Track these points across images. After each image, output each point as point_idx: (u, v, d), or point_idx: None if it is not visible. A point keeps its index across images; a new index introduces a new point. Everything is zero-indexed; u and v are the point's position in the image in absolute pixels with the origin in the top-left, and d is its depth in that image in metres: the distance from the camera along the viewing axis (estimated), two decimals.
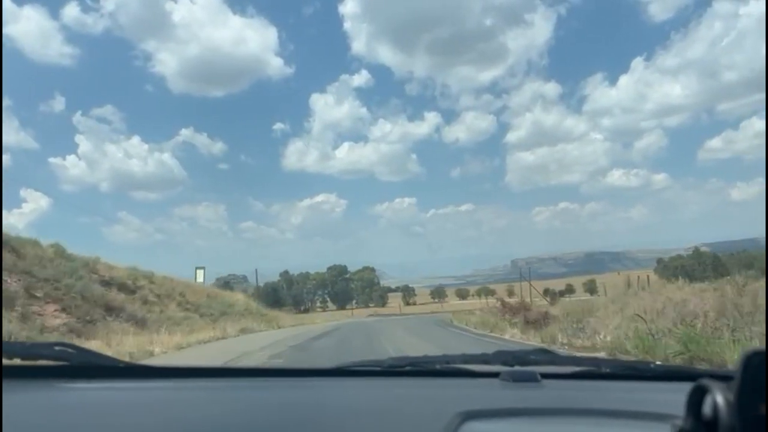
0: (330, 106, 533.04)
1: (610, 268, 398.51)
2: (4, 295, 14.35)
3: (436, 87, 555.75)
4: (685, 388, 0.57)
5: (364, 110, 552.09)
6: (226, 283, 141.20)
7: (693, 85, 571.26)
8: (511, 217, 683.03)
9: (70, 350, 1.25)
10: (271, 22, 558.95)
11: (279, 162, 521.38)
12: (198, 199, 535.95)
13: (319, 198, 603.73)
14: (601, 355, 10.21)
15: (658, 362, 1.86)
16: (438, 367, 1.45)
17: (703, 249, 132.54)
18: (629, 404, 1.03)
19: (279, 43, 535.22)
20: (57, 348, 1.24)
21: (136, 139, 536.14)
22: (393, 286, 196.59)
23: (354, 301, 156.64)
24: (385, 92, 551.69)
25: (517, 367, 1.37)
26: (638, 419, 0.92)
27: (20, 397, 1.02)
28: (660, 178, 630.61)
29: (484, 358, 1.49)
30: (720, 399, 0.52)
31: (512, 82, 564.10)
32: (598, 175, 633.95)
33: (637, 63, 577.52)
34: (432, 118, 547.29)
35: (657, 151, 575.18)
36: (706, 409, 0.53)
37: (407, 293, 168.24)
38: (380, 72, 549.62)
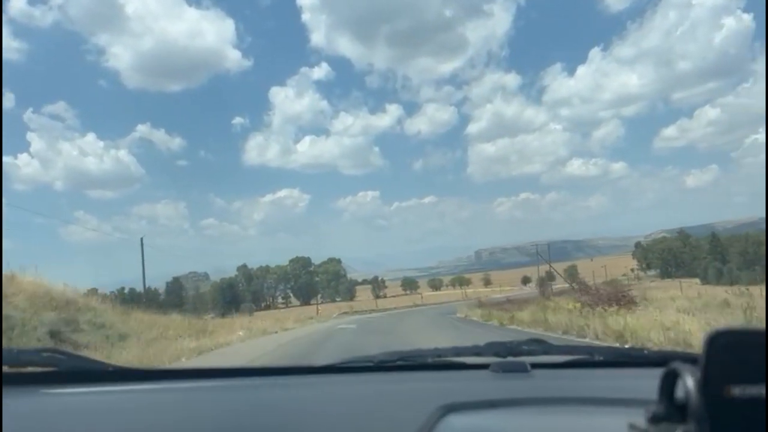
0: (290, 100, 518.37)
1: (572, 257, 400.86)
2: None
3: (397, 79, 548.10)
4: None
5: (324, 103, 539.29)
6: (175, 280, 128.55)
7: (649, 74, 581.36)
8: (473, 209, 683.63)
9: (58, 356, 1.24)
10: (228, 14, 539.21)
11: (239, 157, 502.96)
12: (157, 197, 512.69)
13: (282, 193, 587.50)
14: None
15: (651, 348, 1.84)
16: (429, 360, 1.45)
17: (686, 232, 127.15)
18: (619, 391, 1.02)
19: (236, 36, 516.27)
20: (45, 354, 1.23)
21: (91, 136, 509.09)
22: (360, 279, 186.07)
23: (319, 296, 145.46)
24: (346, 85, 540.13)
25: (509, 358, 1.37)
26: (625, 406, 0.91)
27: (8, 405, 1.02)
28: (618, 166, 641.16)
29: (476, 350, 1.47)
30: (690, 382, 0.52)
31: (473, 74, 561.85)
32: (558, 165, 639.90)
33: (595, 53, 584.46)
34: (393, 110, 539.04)
35: (615, 141, 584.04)
36: (678, 392, 0.54)
37: (377, 286, 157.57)
38: (340, 64, 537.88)
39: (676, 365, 0.55)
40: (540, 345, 1.50)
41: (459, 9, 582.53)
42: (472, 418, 0.89)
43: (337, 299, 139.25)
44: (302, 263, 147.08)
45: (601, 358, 1.45)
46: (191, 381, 1.27)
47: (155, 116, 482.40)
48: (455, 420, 0.86)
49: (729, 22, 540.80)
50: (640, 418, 0.61)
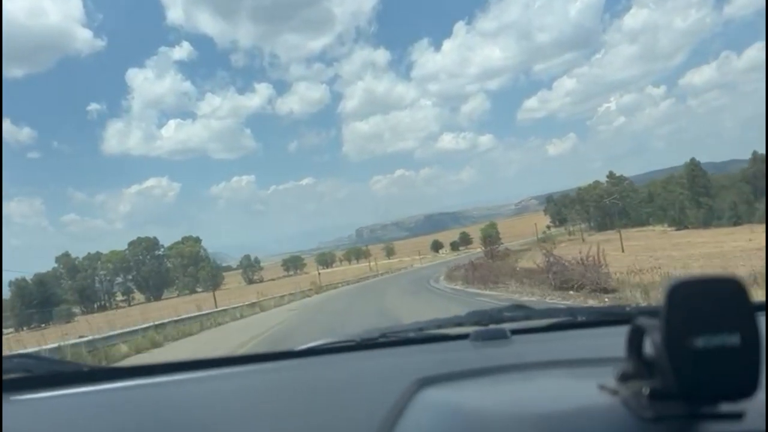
0: (150, 82, 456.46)
1: (450, 227, 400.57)
2: None
3: (264, 57, 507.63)
4: None
5: (188, 84, 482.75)
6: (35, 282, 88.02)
7: (511, 47, 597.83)
8: (351, 188, 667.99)
9: (31, 361, 1.22)
10: None
11: (98, 146, 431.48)
12: (8, 195, 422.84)
13: (149, 183, 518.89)
14: None
15: (633, 305, 1.85)
16: (411, 335, 1.43)
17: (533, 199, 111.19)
18: (600, 351, 1.01)
19: (85, 13, 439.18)
20: (16, 360, 1.21)
21: None
22: (234, 265, 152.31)
23: (174, 287, 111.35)
24: (210, 64, 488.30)
25: (491, 326, 1.36)
26: (600, 365, 0.89)
27: None
28: (485, 139, 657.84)
29: (457, 321, 1.47)
30: (654, 337, 0.51)
31: (342, 50, 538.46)
32: (429, 141, 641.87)
33: (460, 27, 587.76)
34: (263, 89, 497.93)
35: (482, 114, 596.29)
36: (646, 348, 0.52)
37: (250, 268, 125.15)
38: (202, 43, 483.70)
39: (641, 321, 0.54)
40: (522, 310, 1.49)
41: None
42: (447, 389, 0.88)
43: (198, 289, 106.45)
44: (146, 246, 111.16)
45: (584, 319, 1.43)
46: (169, 375, 1.24)
47: None
48: (430, 393, 0.85)
49: None
50: (611, 377, 0.59)
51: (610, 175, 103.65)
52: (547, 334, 1.38)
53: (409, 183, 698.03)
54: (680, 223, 71.61)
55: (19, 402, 1.07)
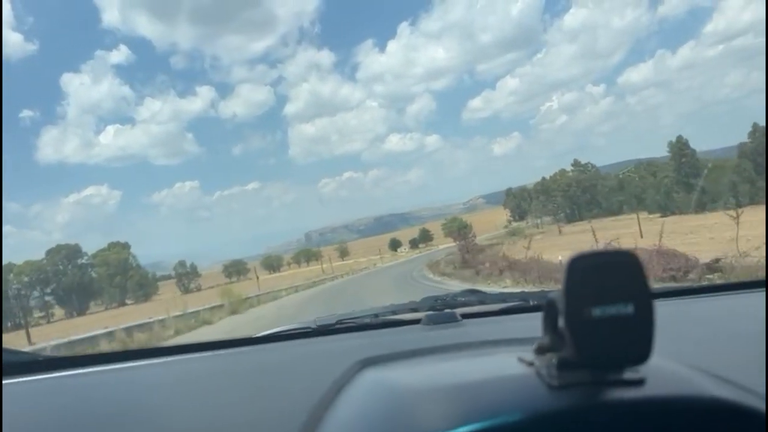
0: (86, 87, 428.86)
1: (399, 228, 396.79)
2: None
3: (205, 59, 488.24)
4: None
5: (126, 89, 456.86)
6: None
7: (454, 47, 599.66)
8: (299, 191, 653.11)
9: None
10: None
11: (32, 154, 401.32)
12: None
13: (88, 191, 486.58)
14: None
15: None
16: (367, 320, 1.46)
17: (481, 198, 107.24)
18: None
19: (14, 16, 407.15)
20: None
21: None
22: (173, 273, 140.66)
23: (100, 300, 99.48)
24: (149, 68, 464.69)
25: (446, 311, 1.39)
26: (530, 343, 0.85)
27: None
28: (432, 139, 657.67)
29: (412, 306, 1.50)
30: (561, 309, 0.53)
31: (285, 52, 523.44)
32: (377, 142, 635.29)
33: (404, 28, 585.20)
34: (205, 92, 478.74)
35: (428, 115, 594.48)
36: (560, 322, 0.54)
37: (186, 276, 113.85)
38: (140, 46, 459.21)
39: (554, 295, 0.55)
40: (475, 295, 1.52)
41: None
42: (385, 369, 0.89)
43: (128, 301, 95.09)
44: (67, 254, 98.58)
45: (536, 302, 1.45)
46: (129, 362, 1.21)
47: None
48: (369, 373, 0.87)
49: None
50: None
51: (576, 163, 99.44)
52: (499, 318, 1.39)
53: (357, 185, 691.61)
54: (666, 209, 65.32)
55: None
